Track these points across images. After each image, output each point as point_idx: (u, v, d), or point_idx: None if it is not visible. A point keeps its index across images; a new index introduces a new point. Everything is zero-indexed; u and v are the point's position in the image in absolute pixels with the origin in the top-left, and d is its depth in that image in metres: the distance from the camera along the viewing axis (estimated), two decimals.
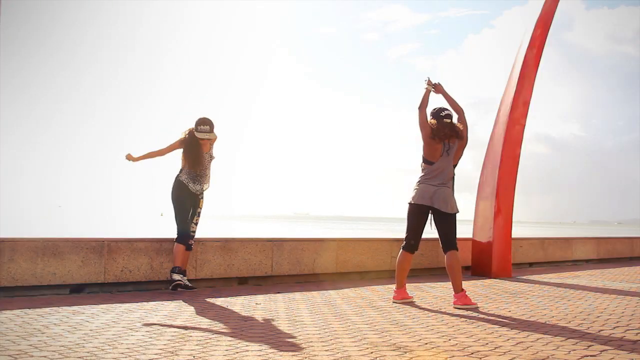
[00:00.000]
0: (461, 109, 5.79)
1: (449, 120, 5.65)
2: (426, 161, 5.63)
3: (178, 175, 6.23)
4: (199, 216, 6.29)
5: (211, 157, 6.39)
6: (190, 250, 6.21)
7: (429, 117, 5.71)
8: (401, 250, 5.73)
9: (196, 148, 6.23)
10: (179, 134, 6.35)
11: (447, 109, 5.72)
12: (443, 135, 5.56)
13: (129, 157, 6.17)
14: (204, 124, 6.24)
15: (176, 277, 5.97)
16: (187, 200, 6.20)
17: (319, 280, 7.19)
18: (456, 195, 5.78)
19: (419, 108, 5.69)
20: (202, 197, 6.31)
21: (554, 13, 8.44)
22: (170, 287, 5.99)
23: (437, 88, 5.81)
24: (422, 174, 5.64)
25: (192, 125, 6.28)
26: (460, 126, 5.70)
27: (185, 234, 6.11)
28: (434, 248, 8.28)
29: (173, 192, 6.22)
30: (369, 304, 5.41)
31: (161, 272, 6.17)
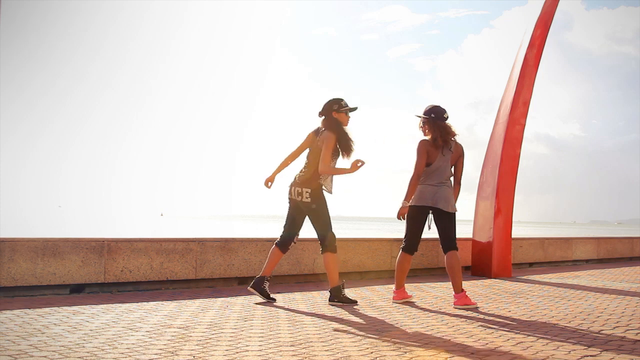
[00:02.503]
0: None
1: (449, 124, 5.52)
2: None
3: (319, 180, 5.40)
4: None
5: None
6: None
7: (423, 115, 5.54)
8: (400, 251, 5.72)
9: (347, 131, 5.43)
10: (305, 135, 5.58)
11: (446, 110, 5.51)
12: (441, 141, 5.45)
13: (269, 181, 5.56)
14: (342, 99, 5.48)
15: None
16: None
17: (319, 280, 7.19)
18: None
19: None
20: None
21: (554, 13, 8.44)
22: (350, 305, 5.35)
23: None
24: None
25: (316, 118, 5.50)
26: (455, 131, 5.56)
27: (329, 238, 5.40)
28: (434, 248, 8.28)
29: (320, 198, 5.40)
30: (369, 304, 5.41)
31: (161, 272, 6.18)
